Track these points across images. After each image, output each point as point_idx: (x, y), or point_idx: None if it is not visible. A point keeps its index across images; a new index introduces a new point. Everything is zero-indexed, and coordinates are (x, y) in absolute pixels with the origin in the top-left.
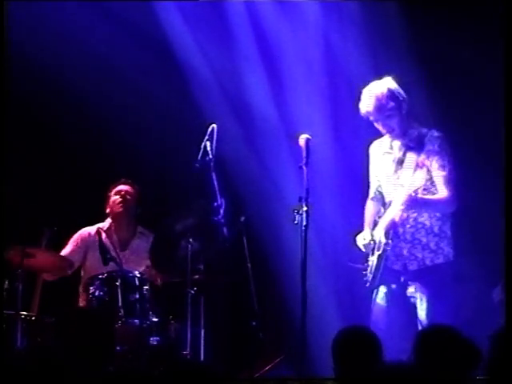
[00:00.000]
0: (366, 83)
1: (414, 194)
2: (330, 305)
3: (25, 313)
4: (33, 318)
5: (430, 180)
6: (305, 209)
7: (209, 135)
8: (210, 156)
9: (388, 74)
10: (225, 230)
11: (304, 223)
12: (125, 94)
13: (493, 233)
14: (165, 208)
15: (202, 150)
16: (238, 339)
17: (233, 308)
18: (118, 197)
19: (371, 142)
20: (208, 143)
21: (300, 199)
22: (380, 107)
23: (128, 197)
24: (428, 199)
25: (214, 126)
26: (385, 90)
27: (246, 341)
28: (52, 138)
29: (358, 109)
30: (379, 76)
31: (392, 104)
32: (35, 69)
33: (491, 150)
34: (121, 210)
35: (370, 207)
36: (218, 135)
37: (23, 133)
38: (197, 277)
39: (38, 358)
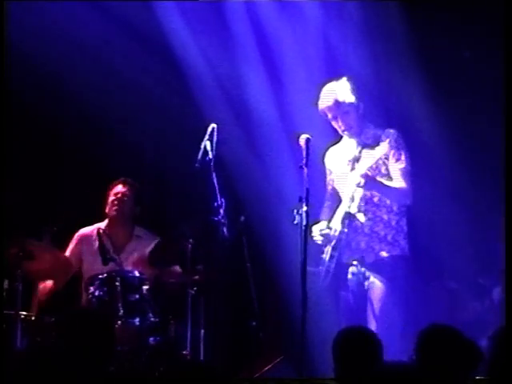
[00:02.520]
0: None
1: (370, 172)
2: (329, 305)
3: (25, 313)
4: (33, 318)
5: (388, 175)
6: (305, 209)
7: (209, 135)
8: (210, 156)
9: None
10: (225, 229)
11: (304, 223)
12: (125, 94)
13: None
14: (165, 208)
15: (202, 149)
16: (237, 339)
17: (233, 308)
18: (113, 199)
19: (326, 150)
20: (208, 143)
21: (300, 199)
22: (339, 103)
23: (125, 199)
24: (383, 183)
25: (214, 125)
26: (344, 88)
27: (245, 341)
28: (52, 138)
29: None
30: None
31: (351, 100)
32: (35, 68)
33: (491, 150)
34: (115, 213)
35: (326, 214)
36: (218, 135)
37: (23, 132)
38: (197, 277)
39: (37, 357)
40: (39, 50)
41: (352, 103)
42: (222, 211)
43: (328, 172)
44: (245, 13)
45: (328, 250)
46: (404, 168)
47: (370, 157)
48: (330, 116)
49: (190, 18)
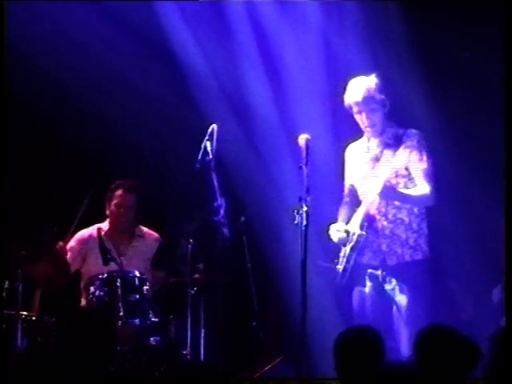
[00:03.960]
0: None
1: (393, 181)
2: (329, 305)
3: (25, 313)
4: (33, 318)
5: (408, 176)
6: (305, 209)
7: (209, 135)
8: (210, 156)
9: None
10: (225, 230)
11: (304, 223)
12: (125, 94)
13: (492, 233)
14: (165, 208)
15: (202, 150)
16: (238, 339)
17: (233, 308)
18: (116, 210)
19: (347, 146)
20: (208, 143)
21: (300, 199)
22: (368, 97)
23: (128, 211)
24: (404, 192)
25: (214, 126)
26: (374, 83)
27: (246, 341)
28: (52, 138)
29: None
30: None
31: (380, 97)
32: (35, 68)
33: (490, 150)
34: (118, 223)
35: (345, 210)
36: (218, 135)
37: (23, 132)
38: (197, 276)
39: (37, 357)
40: (39, 49)
41: (380, 100)
42: (222, 211)
43: (347, 168)
44: (245, 13)
45: (346, 250)
46: (426, 169)
47: (389, 166)
48: (355, 110)
49: (190, 18)
